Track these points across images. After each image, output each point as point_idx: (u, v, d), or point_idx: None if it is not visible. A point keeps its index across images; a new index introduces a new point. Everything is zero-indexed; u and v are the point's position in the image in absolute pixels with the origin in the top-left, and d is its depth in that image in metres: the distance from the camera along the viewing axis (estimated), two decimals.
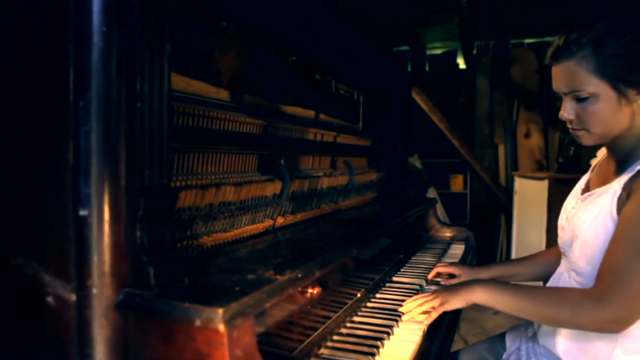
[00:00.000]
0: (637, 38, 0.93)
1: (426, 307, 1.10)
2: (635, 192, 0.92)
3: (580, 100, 0.97)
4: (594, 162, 1.18)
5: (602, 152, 1.16)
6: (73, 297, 0.65)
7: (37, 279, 0.67)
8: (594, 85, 0.95)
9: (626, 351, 0.95)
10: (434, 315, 1.09)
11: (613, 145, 1.03)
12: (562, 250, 1.11)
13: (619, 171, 1.00)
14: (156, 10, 0.70)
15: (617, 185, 0.97)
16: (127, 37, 0.66)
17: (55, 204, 0.66)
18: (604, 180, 1.05)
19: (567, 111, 1.00)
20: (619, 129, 0.98)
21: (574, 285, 1.05)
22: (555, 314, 0.95)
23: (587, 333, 1.00)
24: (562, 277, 1.10)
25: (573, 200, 1.11)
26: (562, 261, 1.12)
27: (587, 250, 0.99)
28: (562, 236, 1.10)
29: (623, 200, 0.94)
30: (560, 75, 0.99)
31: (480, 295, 1.04)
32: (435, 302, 1.09)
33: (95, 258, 0.64)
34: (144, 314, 0.66)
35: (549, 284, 1.14)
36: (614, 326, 0.91)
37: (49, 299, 0.66)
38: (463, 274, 1.37)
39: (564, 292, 0.99)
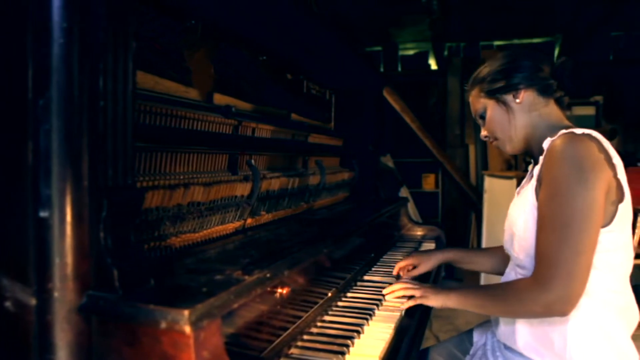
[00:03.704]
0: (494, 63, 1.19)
1: (408, 293, 1.21)
2: (544, 178, 1.00)
3: (482, 118, 1.22)
4: (531, 167, 1.26)
5: None
6: (33, 301, 0.63)
7: None
8: (483, 103, 1.21)
9: (579, 339, 1.00)
10: (411, 303, 1.19)
11: (531, 151, 1.18)
12: (506, 251, 1.19)
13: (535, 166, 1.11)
14: (121, 7, 0.68)
15: (534, 179, 1.06)
16: (90, 33, 0.64)
17: (14, 205, 0.64)
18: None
19: (482, 131, 1.24)
20: (521, 131, 1.15)
21: None
22: (508, 306, 1.03)
23: (541, 327, 1.04)
24: (510, 276, 1.17)
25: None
26: (510, 261, 1.20)
27: (524, 244, 1.07)
28: (505, 237, 1.18)
29: (538, 189, 1.03)
30: (471, 104, 1.26)
31: (454, 302, 1.13)
32: (417, 293, 1.19)
33: (56, 260, 0.62)
34: (108, 317, 0.64)
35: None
36: (560, 306, 0.95)
37: (8, 304, 0.64)
38: (421, 262, 1.47)
39: (510, 284, 1.06)
